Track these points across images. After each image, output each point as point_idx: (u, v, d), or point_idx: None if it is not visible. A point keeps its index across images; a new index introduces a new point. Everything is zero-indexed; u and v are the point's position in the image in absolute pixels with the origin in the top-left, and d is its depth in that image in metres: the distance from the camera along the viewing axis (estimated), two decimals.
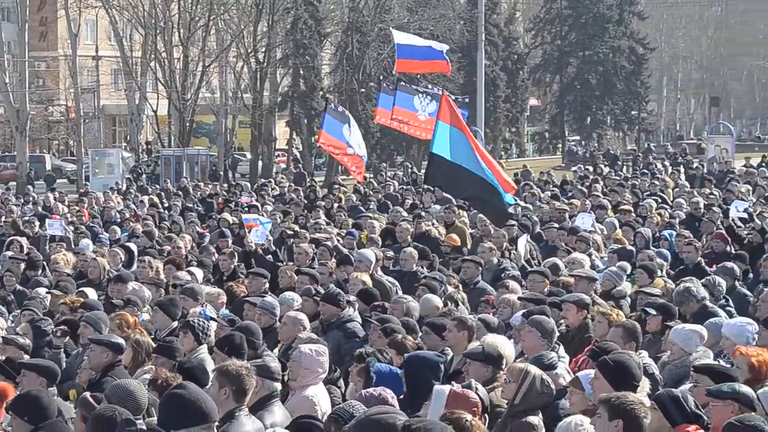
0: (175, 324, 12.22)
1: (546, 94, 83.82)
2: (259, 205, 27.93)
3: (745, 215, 22.13)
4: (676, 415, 7.75)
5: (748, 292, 15.13)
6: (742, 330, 10.63)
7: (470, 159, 17.46)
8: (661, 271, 16.47)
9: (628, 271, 15.67)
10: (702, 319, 11.63)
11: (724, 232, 19.31)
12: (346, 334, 12.65)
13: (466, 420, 7.47)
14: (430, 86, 33.00)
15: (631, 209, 23.81)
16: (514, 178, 39.31)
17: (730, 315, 12.68)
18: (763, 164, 45.25)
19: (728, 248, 18.31)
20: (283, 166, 65.17)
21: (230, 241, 20.48)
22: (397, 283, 15.69)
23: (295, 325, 11.74)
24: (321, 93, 61.46)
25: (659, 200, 26.54)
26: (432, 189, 28.43)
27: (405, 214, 23.96)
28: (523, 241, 18.42)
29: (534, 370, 8.89)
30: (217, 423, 7.56)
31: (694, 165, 46.27)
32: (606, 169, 45.61)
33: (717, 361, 10.07)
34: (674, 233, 19.59)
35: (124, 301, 13.88)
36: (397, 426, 6.53)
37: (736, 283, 15.28)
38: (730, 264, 15.77)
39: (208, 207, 31.52)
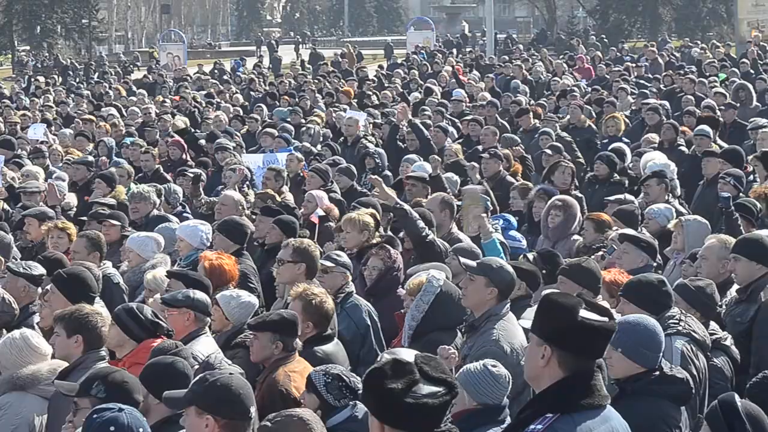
0: None
1: None
2: None
3: None
4: (134, 328, 7.55)
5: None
6: (195, 231, 10.87)
7: None
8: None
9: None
10: (156, 224, 11.82)
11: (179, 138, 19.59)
12: None
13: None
14: None
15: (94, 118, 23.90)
16: None
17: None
18: (216, 71, 46.51)
19: (184, 156, 18.60)
20: None
21: None
22: None
23: None
24: None
25: (115, 108, 26.83)
26: None
27: None
28: None
29: None
30: None
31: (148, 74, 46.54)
32: (59, 79, 44.93)
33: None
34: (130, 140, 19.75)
35: None
36: None
37: None
38: None
39: None
